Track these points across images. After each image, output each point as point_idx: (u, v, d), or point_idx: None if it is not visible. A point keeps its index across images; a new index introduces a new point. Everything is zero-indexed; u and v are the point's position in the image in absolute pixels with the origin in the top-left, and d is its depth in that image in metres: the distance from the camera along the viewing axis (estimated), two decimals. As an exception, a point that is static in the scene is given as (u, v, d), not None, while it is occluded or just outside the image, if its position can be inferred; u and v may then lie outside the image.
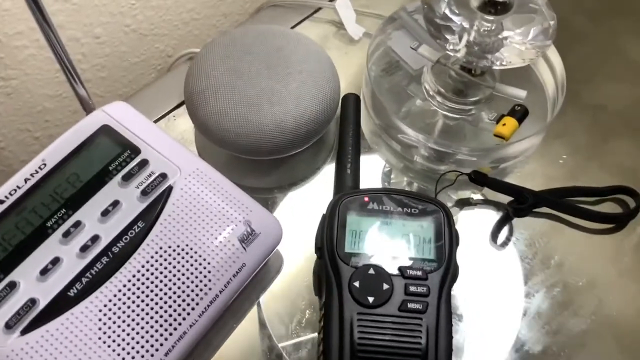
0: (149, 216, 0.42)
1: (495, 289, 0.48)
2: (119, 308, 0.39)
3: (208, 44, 0.51)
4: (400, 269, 0.41)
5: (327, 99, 0.49)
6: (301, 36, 0.52)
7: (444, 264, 0.41)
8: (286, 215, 0.50)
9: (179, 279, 0.40)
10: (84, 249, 0.40)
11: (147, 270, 0.40)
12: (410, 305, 0.40)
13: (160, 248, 0.41)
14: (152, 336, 0.39)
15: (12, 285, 0.39)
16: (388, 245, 0.42)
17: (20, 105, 0.54)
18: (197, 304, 0.40)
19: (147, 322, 0.39)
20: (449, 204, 0.51)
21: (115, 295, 0.39)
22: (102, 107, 0.46)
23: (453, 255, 0.42)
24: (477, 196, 0.52)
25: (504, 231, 0.50)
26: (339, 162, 0.49)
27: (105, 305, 0.39)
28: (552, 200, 0.50)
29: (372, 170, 0.54)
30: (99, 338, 0.38)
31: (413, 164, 0.54)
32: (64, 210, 0.42)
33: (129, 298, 0.39)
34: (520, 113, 0.50)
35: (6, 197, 0.42)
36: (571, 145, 0.55)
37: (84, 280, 0.40)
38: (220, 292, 0.41)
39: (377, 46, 0.57)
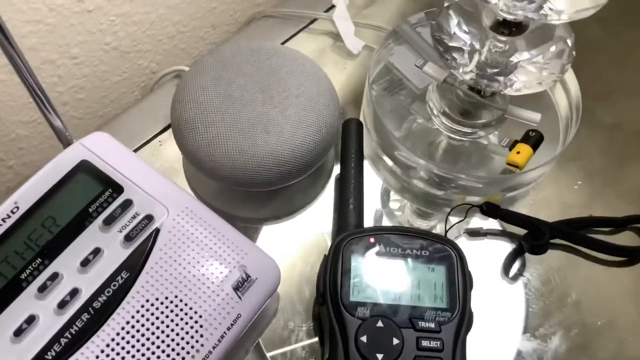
0: (134, 264, 0.38)
1: (509, 331, 0.45)
2: (103, 371, 0.35)
3: (195, 63, 0.47)
4: (411, 320, 0.38)
5: (326, 125, 0.45)
6: (297, 54, 0.48)
7: (459, 312, 0.38)
8: (283, 251, 0.46)
9: (167, 336, 0.37)
10: (62, 304, 0.36)
11: (133, 327, 0.37)
12: (424, 363, 0.36)
13: (147, 301, 0.37)
14: (140, 401, 0.35)
15: (-19, 349, 0.35)
16: (397, 292, 0.39)
17: (-8, 133, 0.49)
18: (189, 362, 0.36)
19: (135, 386, 0.35)
20: (457, 235, 0.48)
21: (97, 357, 0.35)
22: (80, 140, 0.42)
23: (468, 301, 0.39)
24: (487, 226, 0.49)
25: (516, 265, 0.47)
26: (341, 198, 0.45)
27: (87, 368, 0.35)
28: (568, 232, 0.46)
29: (370, 189, 0.50)
30: (81, 406, 0.34)
31: (411, 186, 0.51)
32: (39, 260, 0.38)
33: (113, 359, 0.36)
34: (534, 139, 0.46)
35: (-25, 245, 0.38)
36: (586, 170, 0.52)
37: (63, 341, 0.36)
38: (214, 347, 0.37)
39: (378, 61, 0.53)
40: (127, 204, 0.40)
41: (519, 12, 0.39)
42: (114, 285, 0.38)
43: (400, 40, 0.54)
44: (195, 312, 0.38)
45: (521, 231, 0.48)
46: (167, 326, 0.37)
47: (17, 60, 0.38)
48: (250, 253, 0.41)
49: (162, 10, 0.55)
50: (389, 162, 0.51)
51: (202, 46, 0.62)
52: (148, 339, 0.36)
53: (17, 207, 0.39)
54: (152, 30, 0.55)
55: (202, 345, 0.37)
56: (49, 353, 0.35)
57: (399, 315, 0.38)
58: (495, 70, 0.44)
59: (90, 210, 0.40)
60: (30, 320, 0.36)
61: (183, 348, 0.37)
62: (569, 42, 0.45)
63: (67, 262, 0.38)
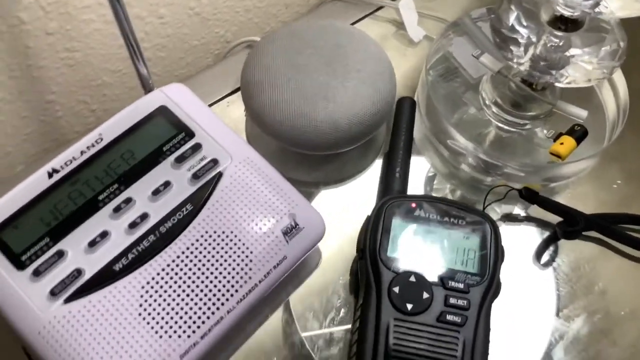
0: (198, 200, 0.43)
1: (534, 309, 0.47)
2: (161, 286, 0.40)
3: (269, 34, 0.51)
4: (441, 279, 0.41)
5: (382, 100, 0.49)
6: (363, 35, 0.52)
7: (487, 279, 0.41)
8: (329, 212, 0.50)
9: (221, 265, 0.41)
10: (133, 225, 0.41)
11: (192, 252, 0.41)
12: (449, 318, 0.39)
13: (206, 232, 0.42)
14: (190, 317, 0.39)
15: (60, 254, 0.40)
16: (431, 253, 0.42)
17: (81, 78, 0.55)
18: (237, 290, 0.40)
19: (187, 304, 0.39)
20: (495, 217, 0.51)
21: (158, 274, 0.40)
22: (161, 88, 0.47)
23: (497, 271, 0.42)
24: (523, 212, 0.51)
25: (549, 251, 0.49)
26: (389, 165, 0.49)
27: (147, 282, 0.40)
28: (603, 225, 0.48)
29: (416, 173, 0.53)
30: (139, 314, 0.39)
31: (458, 172, 0.53)
32: (116, 185, 0.42)
33: (171, 278, 0.40)
34: (579, 133, 0.48)
35: (61, 167, 0.43)
36: (626, 170, 0.54)
37: (130, 255, 0.40)
38: (260, 281, 0.41)
39: (437, 50, 0.57)
40: (197, 147, 0.45)
41: (576, 7, 0.42)
42: (179, 215, 0.42)
43: (460, 32, 0.57)
44: (247, 248, 0.42)
45: (556, 220, 0.50)
46: (222, 256, 0.41)
47: (120, 13, 0.44)
48: (300, 205, 0.45)
49: (243, -16, 0.60)
50: (438, 147, 0.54)
51: (273, 22, 0.66)
52: (204, 265, 0.41)
53: (102, 139, 0.44)
54: (231, 1, 0.59)
55: (250, 277, 0.41)
56: (116, 265, 0.40)
57: (430, 273, 0.41)
58: (549, 62, 0.47)
59: (164, 149, 0.44)
60: (104, 235, 0.41)
61: (233, 277, 0.41)
62: (622, 44, 0.47)
63: (140, 190, 0.42)
